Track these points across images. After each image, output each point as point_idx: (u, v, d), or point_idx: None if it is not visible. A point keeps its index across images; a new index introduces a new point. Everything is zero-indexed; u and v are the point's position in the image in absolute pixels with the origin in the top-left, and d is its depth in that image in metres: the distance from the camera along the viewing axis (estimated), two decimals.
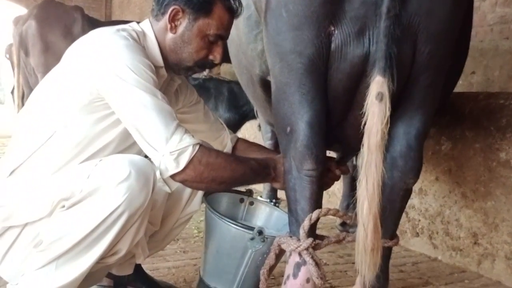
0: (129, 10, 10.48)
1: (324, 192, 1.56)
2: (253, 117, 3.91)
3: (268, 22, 1.52)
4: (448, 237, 2.57)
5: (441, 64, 1.49)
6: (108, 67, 1.42)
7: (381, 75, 1.32)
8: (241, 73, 2.37)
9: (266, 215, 1.95)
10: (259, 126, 3.76)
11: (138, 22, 1.65)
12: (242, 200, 1.97)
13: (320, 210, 1.50)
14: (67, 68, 1.52)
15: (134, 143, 1.52)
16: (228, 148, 1.88)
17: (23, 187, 1.47)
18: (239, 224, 1.69)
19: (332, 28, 1.39)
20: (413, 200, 2.75)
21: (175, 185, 1.63)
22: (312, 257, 1.48)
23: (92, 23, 5.08)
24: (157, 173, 1.46)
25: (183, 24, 1.58)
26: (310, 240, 1.48)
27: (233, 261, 1.72)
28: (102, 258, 1.46)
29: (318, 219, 1.50)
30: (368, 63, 1.40)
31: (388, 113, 1.30)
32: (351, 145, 1.68)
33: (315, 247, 1.50)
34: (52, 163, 1.49)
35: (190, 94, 1.87)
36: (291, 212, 1.55)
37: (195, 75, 3.39)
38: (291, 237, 1.53)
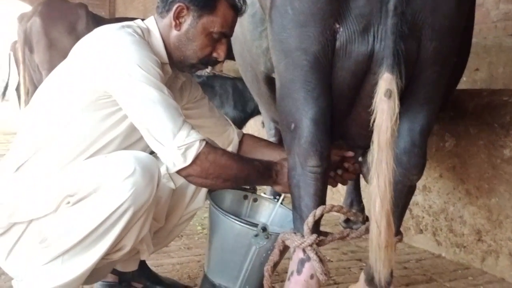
0: (132, 7, 10.47)
1: (328, 189, 1.57)
2: (259, 112, 3.91)
3: (273, 19, 1.52)
4: (452, 234, 2.57)
5: (446, 60, 1.49)
6: (115, 64, 1.43)
7: (390, 72, 1.31)
8: (246, 71, 2.37)
9: (270, 211, 1.95)
10: (263, 123, 3.76)
11: (142, 19, 1.66)
12: (246, 197, 1.97)
13: (324, 206, 1.50)
14: (74, 65, 1.52)
15: (138, 140, 1.52)
16: (234, 143, 1.88)
17: (28, 183, 1.48)
18: (243, 221, 1.70)
19: (337, 26, 1.39)
20: (417, 197, 2.75)
21: (180, 181, 1.64)
22: (316, 253, 1.48)
23: (96, 20, 5.10)
24: (162, 169, 1.46)
25: (188, 21, 1.58)
26: (314, 236, 1.48)
27: (237, 257, 1.72)
28: (107, 254, 1.47)
29: (322, 215, 1.50)
30: (373, 60, 1.40)
31: (397, 110, 1.30)
32: (354, 141, 1.69)
33: (319, 244, 1.51)
34: (58, 160, 1.49)
35: (194, 90, 1.87)
36: (295, 208, 1.55)
37: (198, 73, 3.39)
38: (295, 233, 1.53)
